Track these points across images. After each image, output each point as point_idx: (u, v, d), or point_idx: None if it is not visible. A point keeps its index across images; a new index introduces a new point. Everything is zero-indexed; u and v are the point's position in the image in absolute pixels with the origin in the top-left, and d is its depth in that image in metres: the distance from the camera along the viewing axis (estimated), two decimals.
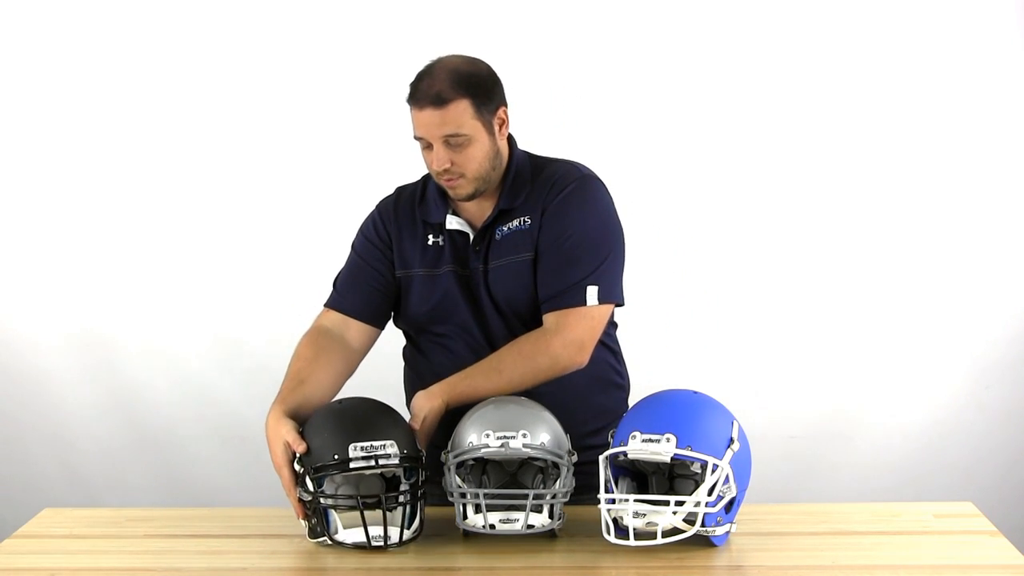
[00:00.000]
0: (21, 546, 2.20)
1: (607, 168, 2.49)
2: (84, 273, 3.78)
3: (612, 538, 2.03)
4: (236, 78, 3.71)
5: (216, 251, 3.77)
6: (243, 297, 3.78)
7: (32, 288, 3.80)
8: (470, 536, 2.12)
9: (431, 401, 2.22)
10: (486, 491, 2.07)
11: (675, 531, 2.02)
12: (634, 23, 3.64)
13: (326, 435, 2.08)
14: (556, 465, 2.10)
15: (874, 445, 3.75)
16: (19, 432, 3.87)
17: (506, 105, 2.33)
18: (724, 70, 3.65)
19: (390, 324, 2.48)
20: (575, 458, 2.12)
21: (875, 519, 2.22)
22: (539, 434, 2.08)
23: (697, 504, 2.01)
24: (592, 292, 2.30)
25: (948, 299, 3.69)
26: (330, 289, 2.48)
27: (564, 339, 2.28)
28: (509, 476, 2.15)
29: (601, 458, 2.07)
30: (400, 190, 2.51)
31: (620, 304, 2.38)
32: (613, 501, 2.04)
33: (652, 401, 2.12)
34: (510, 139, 2.40)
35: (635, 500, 2.03)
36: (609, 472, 2.08)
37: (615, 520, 2.04)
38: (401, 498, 2.07)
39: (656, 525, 2.00)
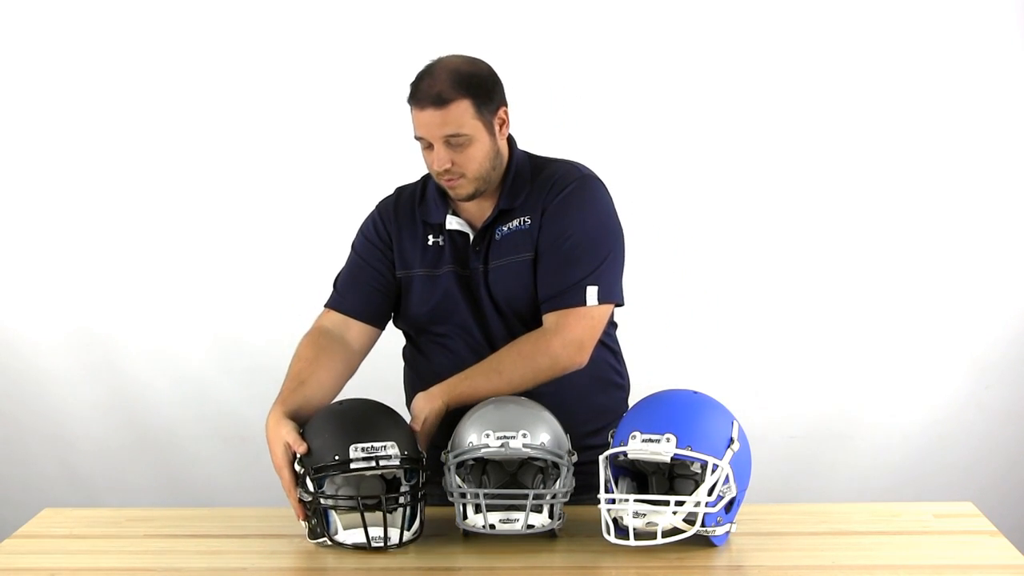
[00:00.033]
0: (21, 546, 2.20)
1: (607, 168, 2.49)
2: (84, 273, 3.78)
3: (612, 538, 2.03)
4: (236, 78, 3.71)
5: (216, 251, 3.77)
6: (243, 297, 3.78)
7: (32, 288, 3.80)
8: (470, 536, 2.12)
9: (431, 402, 2.22)
10: (486, 491, 2.07)
11: (675, 531, 2.02)
12: (634, 23, 3.64)
13: (327, 436, 2.08)
14: (556, 465, 2.10)
15: (874, 445, 3.75)
16: (19, 432, 3.87)
17: (506, 105, 2.33)
18: (724, 70, 3.65)
19: (390, 324, 2.48)
20: (575, 458, 2.12)
21: (875, 519, 2.22)
22: (539, 434, 2.08)
23: (697, 504, 2.01)
24: (592, 292, 2.30)
25: (948, 299, 3.69)
26: (330, 289, 2.48)
27: (564, 339, 2.28)
28: (509, 476, 2.15)
29: (601, 458, 2.07)
30: (400, 190, 2.51)
31: (620, 304, 2.38)
32: (613, 501, 2.04)
33: (652, 401, 2.12)
34: (510, 139, 2.40)
35: (635, 500, 2.03)
36: (609, 472, 2.08)
37: (615, 520, 2.04)
38: (402, 499, 2.07)
39: (656, 525, 2.00)
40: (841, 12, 3.61)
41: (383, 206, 2.49)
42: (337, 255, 2.52)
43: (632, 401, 2.25)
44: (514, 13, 3.64)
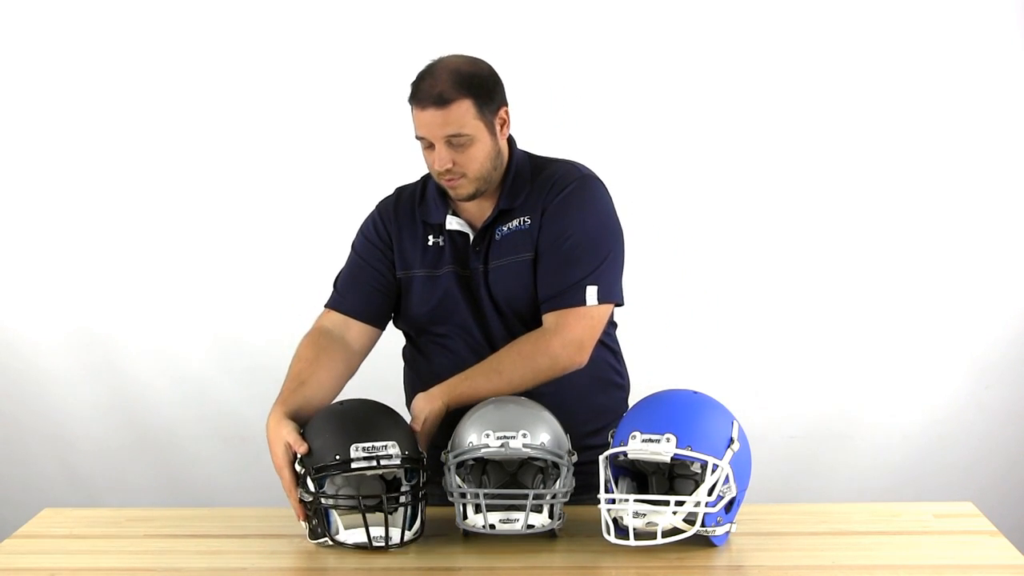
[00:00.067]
0: (21, 546, 2.20)
1: (607, 168, 2.49)
2: (84, 273, 3.78)
3: (612, 538, 2.03)
4: (236, 78, 3.71)
5: (216, 251, 3.77)
6: (243, 297, 3.78)
7: (32, 288, 3.80)
8: (470, 536, 2.12)
9: (431, 403, 2.22)
10: (486, 491, 2.07)
11: (675, 531, 2.02)
12: (634, 23, 3.64)
13: (327, 436, 2.08)
14: (556, 465, 2.10)
15: (874, 445, 3.75)
16: (19, 432, 3.87)
17: (507, 105, 2.33)
18: (724, 71, 3.65)
19: (390, 325, 2.48)
20: (575, 458, 2.12)
21: (875, 519, 2.22)
22: (539, 434, 2.08)
23: (697, 504, 2.01)
24: (591, 292, 2.30)
25: (948, 299, 3.69)
26: (330, 289, 2.48)
27: (563, 339, 2.28)
28: (509, 476, 2.15)
29: (601, 458, 2.07)
30: (400, 190, 2.51)
31: (620, 304, 2.38)
32: (613, 501, 2.04)
33: (652, 401, 2.12)
34: (510, 139, 2.40)
35: (635, 500, 2.03)
36: (609, 472, 2.08)
37: (615, 520, 2.04)
38: (402, 499, 2.07)
39: (656, 525, 2.00)
40: (841, 12, 3.61)
41: (383, 206, 2.49)
42: (337, 255, 2.52)
43: (632, 401, 2.25)
44: (514, 13, 3.64)
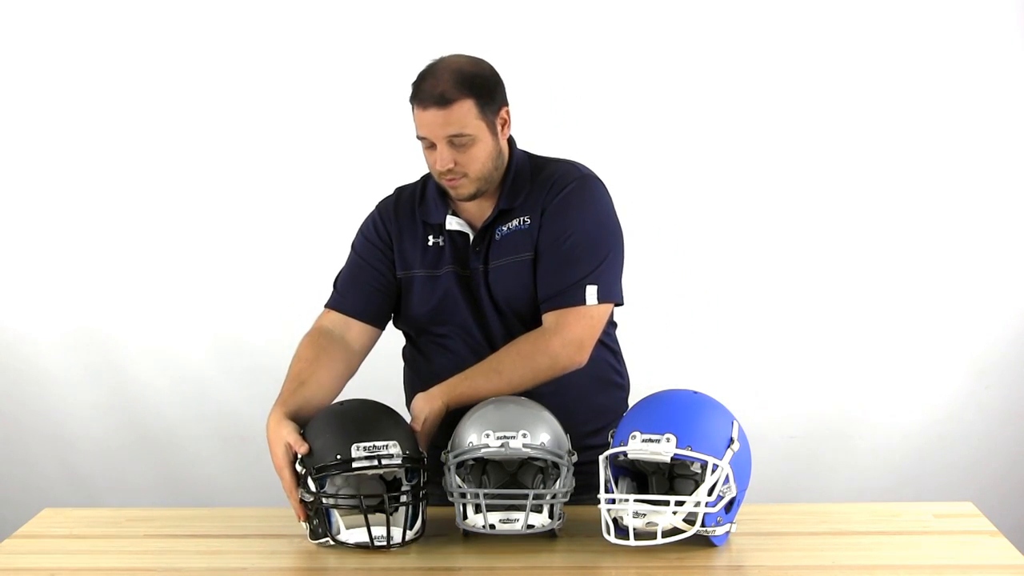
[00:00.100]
0: (21, 546, 2.20)
1: (607, 168, 2.49)
2: (84, 273, 3.78)
3: (612, 538, 2.03)
4: (236, 78, 3.71)
5: (216, 251, 3.77)
6: (243, 297, 3.78)
7: (32, 288, 3.80)
8: (470, 536, 2.12)
9: (431, 403, 2.22)
10: (486, 491, 2.07)
11: (675, 531, 2.02)
12: (634, 23, 3.64)
13: (328, 436, 2.08)
14: (556, 465, 2.10)
15: (874, 445, 3.75)
16: (19, 432, 3.87)
17: (508, 105, 2.33)
18: (724, 71, 3.65)
19: (390, 325, 2.48)
20: (575, 458, 2.12)
21: (875, 519, 2.22)
22: (539, 434, 2.08)
23: (697, 504, 2.01)
24: (591, 292, 2.30)
25: (948, 299, 3.69)
26: (330, 289, 2.48)
27: (563, 339, 2.28)
28: (509, 476, 2.15)
29: (601, 458, 2.07)
30: (400, 190, 2.51)
31: (619, 304, 2.38)
32: (613, 501, 2.04)
33: (652, 401, 2.12)
34: (510, 139, 2.40)
35: (635, 500, 2.03)
36: (609, 472, 2.08)
37: (615, 520, 2.04)
38: (403, 499, 2.07)
39: (656, 525, 2.00)
40: (841, 12, 3.61)
41: (383, 206, 2.49)
42: (337, 255, 2.52)
43: (632, 401, 2.25)
44: (514, 13, 3.64)
